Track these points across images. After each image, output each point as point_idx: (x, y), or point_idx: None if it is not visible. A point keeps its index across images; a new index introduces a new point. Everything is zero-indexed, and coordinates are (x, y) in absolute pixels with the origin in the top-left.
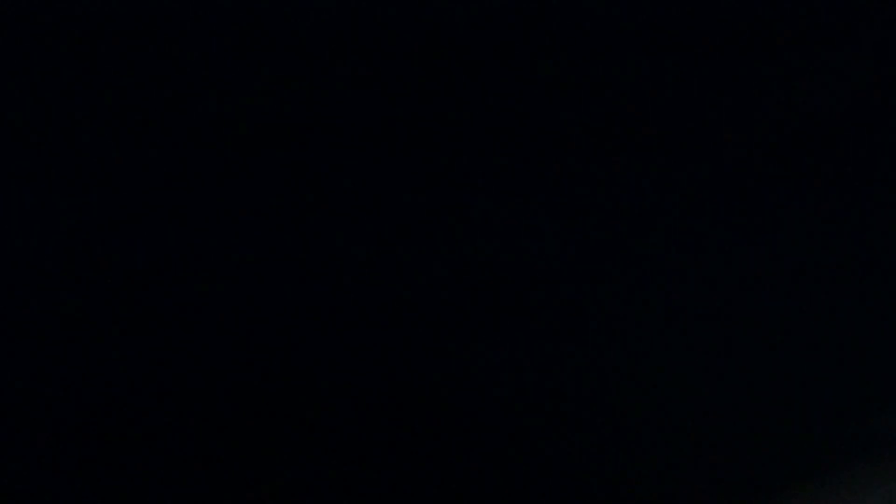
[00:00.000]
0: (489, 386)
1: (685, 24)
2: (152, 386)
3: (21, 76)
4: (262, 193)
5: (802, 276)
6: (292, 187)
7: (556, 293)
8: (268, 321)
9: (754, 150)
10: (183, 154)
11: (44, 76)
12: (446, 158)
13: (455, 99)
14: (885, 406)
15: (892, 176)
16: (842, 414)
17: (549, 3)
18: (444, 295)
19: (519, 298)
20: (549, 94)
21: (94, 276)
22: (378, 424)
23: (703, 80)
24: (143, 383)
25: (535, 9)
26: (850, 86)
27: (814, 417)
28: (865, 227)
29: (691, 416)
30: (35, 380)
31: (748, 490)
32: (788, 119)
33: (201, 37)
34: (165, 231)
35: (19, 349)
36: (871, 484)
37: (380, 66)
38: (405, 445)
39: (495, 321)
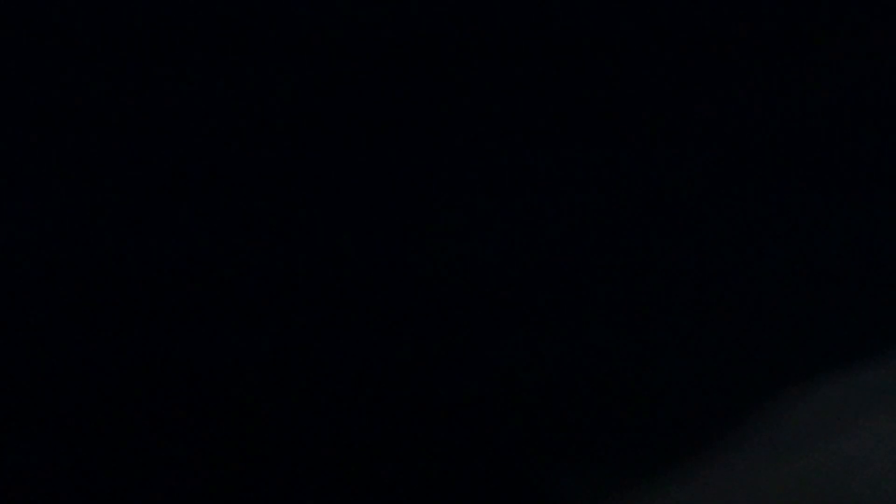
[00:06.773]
0: (489, 384)
1: (685, 23)
2: (150, 386)
3: (20, 76)
4: (262, 193)
5: (801, 275)
6: (291, 186)
7: (554, 290)
8: (268, 320)
9: (753, 150)
10: (178, 152)
11: (43, 75)
12: (444, 156)
13: (453, 95)
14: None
15: (893, 176)
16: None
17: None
18: (443, 293)
19: (517, 295)
20: (548, 91)
21: (92, 276)
22: (377, 424)
23: (703, 79)
24: (140, 383)
25: (534, 6)
26: (850, 85)
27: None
28: (866, 225)
29: (690, 416)
30: (33, 379)
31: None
32: (789, 118)
33: (197, 34)
34: (164, 230)
35: (18, 348)
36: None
37: (371, 64)
38: (408, 444)
39: (494, 317)
